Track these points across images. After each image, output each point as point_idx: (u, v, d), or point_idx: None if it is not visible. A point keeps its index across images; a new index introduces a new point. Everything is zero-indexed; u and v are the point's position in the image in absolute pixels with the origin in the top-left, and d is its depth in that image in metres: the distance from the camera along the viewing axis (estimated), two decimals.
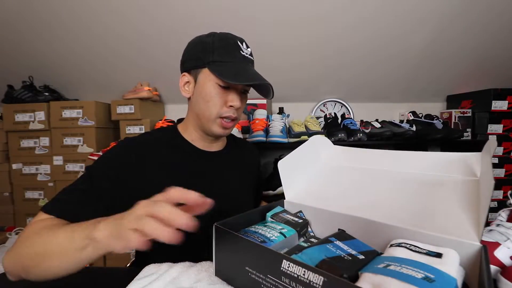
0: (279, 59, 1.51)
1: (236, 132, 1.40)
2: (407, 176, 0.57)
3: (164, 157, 0.63)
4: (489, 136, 1.51)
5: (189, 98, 0.67)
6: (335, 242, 0.40)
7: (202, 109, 0.63)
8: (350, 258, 0.36)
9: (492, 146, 0.46)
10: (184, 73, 0.66)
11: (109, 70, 1.64)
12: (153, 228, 0.32)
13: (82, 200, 0.53)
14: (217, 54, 0.60)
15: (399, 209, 0.49)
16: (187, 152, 0.67)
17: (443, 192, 0.49)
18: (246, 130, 1.51)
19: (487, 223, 0.41)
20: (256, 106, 1.63)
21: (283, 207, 0.60)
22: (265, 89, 0.66)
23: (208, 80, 0.61)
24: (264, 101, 1.65)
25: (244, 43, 0.64)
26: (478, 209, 0.41)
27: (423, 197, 0.50)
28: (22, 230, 0.48)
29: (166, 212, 0.32)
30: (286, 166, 0.61)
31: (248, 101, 1.64)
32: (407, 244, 0.38)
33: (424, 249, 0.36)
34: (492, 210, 1.53)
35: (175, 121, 1.49)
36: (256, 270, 0.36)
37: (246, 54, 0.63)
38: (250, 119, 1.57)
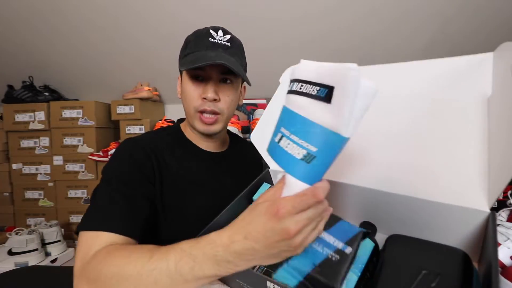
0: (279, 59, 1.51)
1: (236, 132, 1.39)
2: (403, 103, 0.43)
3: (175, 158, 0.61)
4: None
5: None
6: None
7: (185, 106, 0.63)
8: (338, 257, 0.33)
9: None
10: (179, 77, 0.67)
11: (109, 70, 1.64)
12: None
13: (130, 209, 0.48)
14: (188, 48, 0.59)
15: (392, 165, 0.38)
16: (193, 153, 0.66)
17: (447, 129, 0.37)
18: (246, 130, 1.51)
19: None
20: (256, 106, 1.63)
21: (270, 178, 0.56)
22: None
23: (185, 76, 0.61)
24: (264, 101, 1.65)
25: (220, 31, 0.60)
26: (495, 164, 0.32)
27: (416, 148, 0.39)
28: (87, 264, 0.38)
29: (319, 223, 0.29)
30: (260, 136, 0.54)
31: (248, 101, 1.64)
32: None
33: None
34: (492, 210, 1.52)
35: (175, 121, 1.49)
36: (246, 283, 0.37)
37: (219, 41, 0.59)
38: (250, 119, 1.57)
